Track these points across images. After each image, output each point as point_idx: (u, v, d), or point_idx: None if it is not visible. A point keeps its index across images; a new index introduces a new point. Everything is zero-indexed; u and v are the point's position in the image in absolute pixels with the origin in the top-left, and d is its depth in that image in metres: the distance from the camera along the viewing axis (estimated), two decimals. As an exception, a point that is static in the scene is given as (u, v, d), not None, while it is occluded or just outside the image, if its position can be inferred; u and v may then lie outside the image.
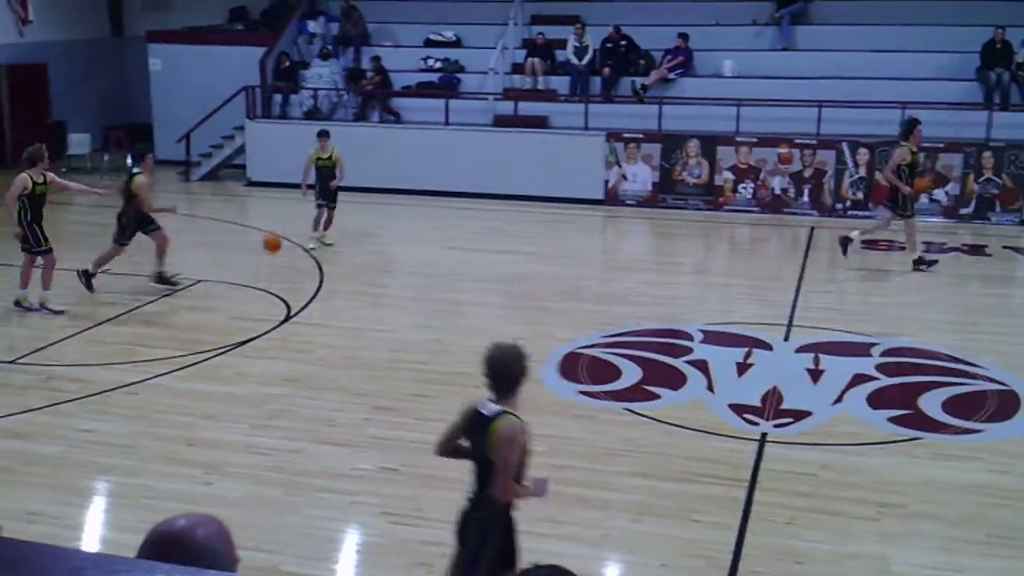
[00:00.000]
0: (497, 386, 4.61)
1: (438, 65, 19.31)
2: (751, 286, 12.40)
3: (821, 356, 9.67)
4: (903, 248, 13.52)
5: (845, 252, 13.09)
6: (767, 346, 10.00)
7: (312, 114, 18.96)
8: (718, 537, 6.40)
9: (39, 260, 10.85)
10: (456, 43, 19.85)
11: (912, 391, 8.84)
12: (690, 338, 10.18)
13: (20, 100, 20.23)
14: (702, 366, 9.39)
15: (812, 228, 15.51)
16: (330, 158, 13.85)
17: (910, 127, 12.68)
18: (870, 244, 14.52)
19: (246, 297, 11.75)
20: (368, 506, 6.81)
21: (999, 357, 9.71)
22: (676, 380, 9.08)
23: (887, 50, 17.23)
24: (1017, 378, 9.14)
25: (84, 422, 8.12)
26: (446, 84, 18.95)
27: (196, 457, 7.46)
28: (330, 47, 19.76)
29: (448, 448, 4.86)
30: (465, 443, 4.79)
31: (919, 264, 12.77)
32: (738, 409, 8.42)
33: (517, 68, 18.88)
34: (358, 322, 10.86)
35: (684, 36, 18.11)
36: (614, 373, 9.21)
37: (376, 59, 19.01)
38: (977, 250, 14.21)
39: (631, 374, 9.19)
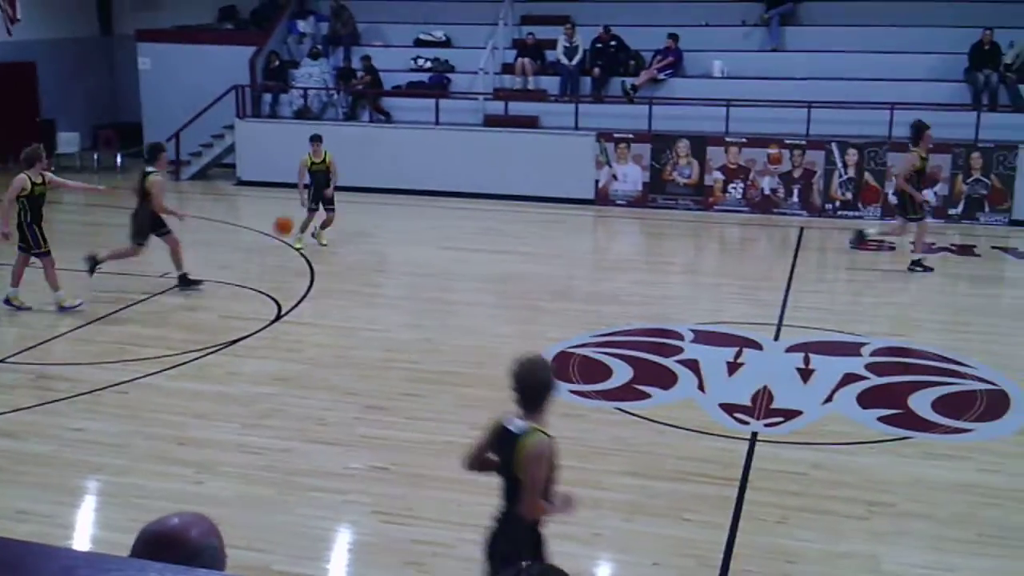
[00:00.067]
0: (525, 402, 4.49)
1: (428, 65, 19.31)
2: (741, 286, 12.42)
3: (811, 356, 9.70)
4: (892, 248, 13.57)
5: (855, 245, 13.13)
6: (757, 346, 10.03)
7: (302, 113, 18.94)
8: (709, 536, 6.41)
9: (34, 261, 10.81)
10: (446, 43, 19.84)
11: (902, 391, 8.87)
12: (680, 338, 10.20)
13: (8, 99, 20.13)
14: (693, 365, 9.41)
15: (801, 228, 15.55)
16: (323, 162, 13.83)
17: (919, 132, 12.72)
18: (860, 244, 14.57)
19: (236, 296, 11.73)
20: (359, 505, 6.81)
21: (988, 357, 9.75)
22: (667, 379, 9.10)
23: (876, 51, 17.30)
24: (1006, 377, 9.18)
25: (75, 421, 8.10)
26: (436, 84, 18.94)
27: (187, 456, 7.44)
28: (320, 46, 19.74)
29: (476, 462, 4.76)
30: (494, 457, 4.69)
31: (916, 265, 12.82)
32: (729, 408, 8.44)
33: (507, 68, 18.89)
34: (349, 321, 10.84)
35: (674, 37, 18.14)
36: (605, 372, 9.22)
37: (366, 59, 18.99)
38: (966, 250, 14.27)
39: (622, 373, 9.20)
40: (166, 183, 11.76)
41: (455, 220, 16.01)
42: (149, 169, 11.59)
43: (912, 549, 6.36)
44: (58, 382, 8.91)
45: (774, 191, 16.58)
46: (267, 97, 19.37)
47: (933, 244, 13.80)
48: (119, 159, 20.45)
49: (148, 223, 11.55)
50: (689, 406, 8.56)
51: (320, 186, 13.85)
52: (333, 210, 13.94)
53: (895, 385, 9.05)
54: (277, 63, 19.43)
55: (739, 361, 9.57)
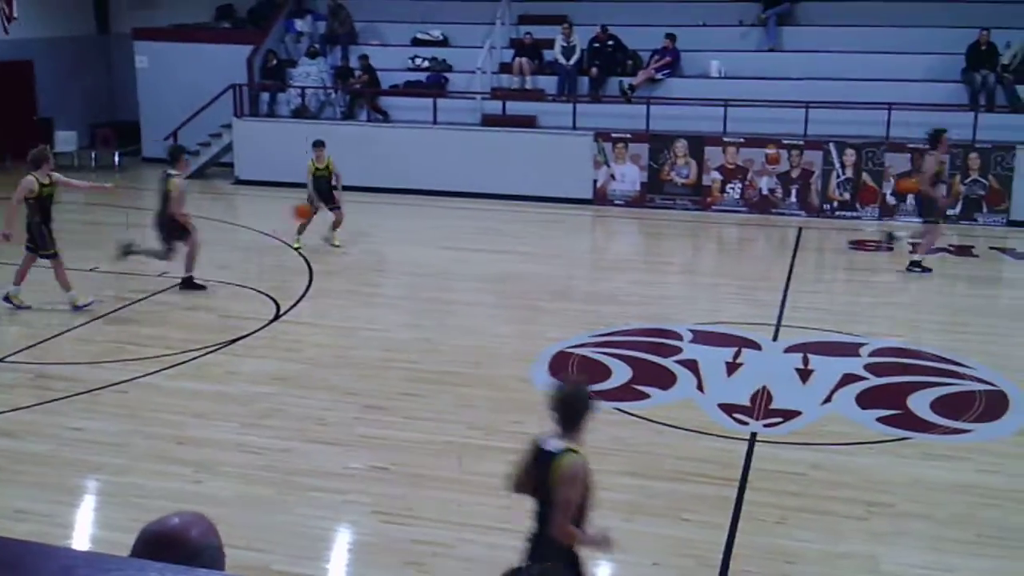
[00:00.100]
0: (563, 422, 4.51)
1: (426, 64, 19.30)
2: (739, 286, 12.43)
3: (810, 356, 9.70)
4: (891, 249, 13.58)
5: (886, 244, 13.13)
6: (756, 346, 10.03)
7: (300, 112, 18.93)
8: (708, 536, 6.42)
9: (42, 261, 10.79)
10: (444, 42, 19.83)
11: (901, 391, 8.88)
12: (679, 338, 10.20)
13: (6, 98, 20.09)
14: (692, 366, 9.42)
15: (800, 228, 15.56)
16: (327, 167, 13.83)
17: (938, 136, 12.77)
18: (858, 244, 14.60)
19: (235, 296, 11.72)
20: (359, 505, 6.81)
21: (987, 357, 9.76)
22: (666, 380, 9.10)
23: (873, 51, 17.30)
24: (1005, 378, 9.20)
25: (74, 420, 8.10)
26: (434, 83, 18.94)
27: (186, 456, 7.44)
28: (317, 46, 19.72)
29: (520, 483, 4.69)
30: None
31: (915, 266, 12.83)
32: (728, 409, 8.45)
33: (505, 68, 18.88)
34: (348, 321, 10.84)
35: (671, 36, 18.14)
36: (604, 372, 9.22)
37: (364, 58, 18.98)
38: (964, 251, 14.28)
39: (621, 373, 9.20)
40: (187, 185, 11.72)
41: (453, 220, 16.01)
42: (171, 172, 11.61)
43: (911, 549, 6.38)
44: (57, 381, 8.91)
45: (772, 191, 16.59)
46: (265, 96, 19.36)
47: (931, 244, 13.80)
48: (116, 157, 20.42)
49: (168, 226, 11.54)
50: (688, 406, 8.57)
51: (321, 191, 13.83)
52: (338, 208, 13.89)
53: (894, 386, 9.05)
54: (274, 62, 19.41)
55: (738, 361, 9.58)
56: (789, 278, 12.63)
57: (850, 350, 9.91)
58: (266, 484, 7.03)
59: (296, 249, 13.67)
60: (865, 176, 16.22)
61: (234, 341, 10.02)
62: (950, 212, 15.71)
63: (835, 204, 16.35)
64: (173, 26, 20.79)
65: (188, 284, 11.72)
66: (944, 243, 13.54)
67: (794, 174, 16.49)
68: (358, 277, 12.99)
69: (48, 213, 10.67)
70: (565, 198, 17.05)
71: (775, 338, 10.33)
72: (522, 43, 18.90)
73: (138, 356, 9.53)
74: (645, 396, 8.70)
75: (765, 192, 16.60)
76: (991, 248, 14.32)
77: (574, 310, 11.36)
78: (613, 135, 17.09)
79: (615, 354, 9.69)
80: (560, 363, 9.46)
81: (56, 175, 10.86)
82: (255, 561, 5.84)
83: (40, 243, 10.67)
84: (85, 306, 10.80)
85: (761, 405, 8.53)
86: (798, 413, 8.39)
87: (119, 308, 11.10)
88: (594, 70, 18.09)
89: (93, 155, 20.29)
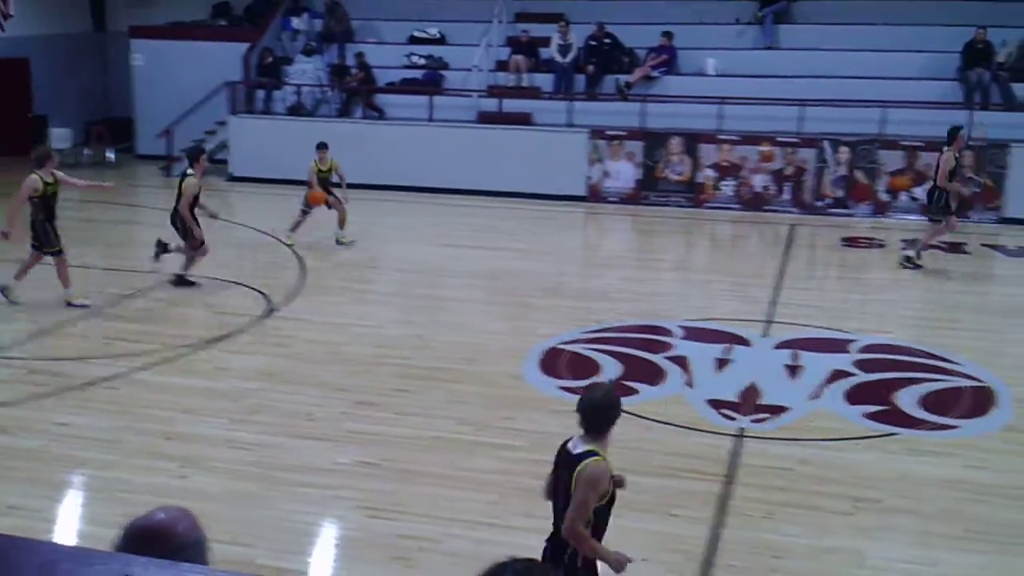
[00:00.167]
0: (588, 426, 4.52)
1: (422, 62, 19.30)
2: (731, 283, 12.44)
3: (799, 352, 9.72)
4: (883, 246, 13.59)
5: (918, 257, 13.08)
6: (746, 342, 10.05)
7: (295, 110, 18.94)
8: (696, 532, 6.43)
9: (47, 259, 10.81)
10: (440, 40, 19.84)
11: (889, 387, 8.89)
12: (670, 334, 10.21)
13: (1, 94, 20.10)
14: (681, 362, 9.43)
15: (792, 225, 15.57)
16: (330, 169, 13.85)
17: (954, 133, 12.86)
18: (851, 241, 14.62)
19: (227, 292, 11.73)
20: (346, 500, 6.81)
21: (976, 354, 9.78)
22: (656, 376, 9.11)
23: (869, 49, 17.32)
24: (993, 374, 9.22)
25: (63, 416, 8.10)
26: (430, 81, 18.94)
27: (174, 451, 7.45)
28: (314, 43, 19.73)
29: (550, 490, 4.71)
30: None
31: (910, 261, 12.86)
32: (717, 404, 8.46)
33: (501, 65, 18.88)
34: (340, 317, 10.85)
35: (668, 34, 18.16)
36: (594, 369, 9.23)
37: (360, 55, 19.00)
38: (956, 248, 14.27)
39: (611, 370, 9.21)
40: (200, 186, 11.72)
41: (447, 217, 16.02)
42: (188, 171, 11.66)
43: (897, 544, 6.39)
44: (48, 377, 8.91)
45: (766, 188, 16.60)
46: (260, 93, 19.36)
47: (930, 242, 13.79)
48: (111, 155, 20.41)
49: (184, 223, 11.56)
50: (678, 402, 8.58)
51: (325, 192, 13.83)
52: (340, 203, 13.87)
53: (882, 382, 9.06)
54: (271, 60, 19.41)
55: (728, 357, 9.59)
56: (781, 275, 12.65)
57: (840, 346, 9.92)
58: (253, 479, 7.03)
59: (289, 246, 13.68)
60: (858, 173, 16.24)
61: (225, 337, 10.03)
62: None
63: (828, 201, 16.36)
64: (169, 24, 20.79)
65: (180, 281, 11.73)
66: (937, 240, 13.53)
67: (788, 171, 16.50)
68: (351, 274, 13.00)
69: (52, 211, 10.70)
70: (559, 195, 17.06)
71: (765, 334, 10.35)
72: (518, 41, 18.90)
73: (129, 352, 9.53)
74: (634, 392, 8.70)
75: (759, 189, 16.62)
76: (983, 245, 14.33)
77: (566, 306, 11.37)
78: (608, 132, 17.11)
79: (606, 350, 9.70)
80: (551, 359, 9.48)
81: (59, 173, 10.89)
82: (240, 556, 5.84)
83: (44, 240, 10.68)
84: (80, 306, 10.80)
85: (750, 401, 8.55)
86: (786, 409, 8.41)
87: (110, 304, 11.10)
88: (590, 68, 18.10)
89: (85, 152, 20.26)
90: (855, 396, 8.66)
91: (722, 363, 9.46)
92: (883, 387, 8.90)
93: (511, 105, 18.04)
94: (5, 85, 20.15)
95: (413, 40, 19.88)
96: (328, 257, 13.56)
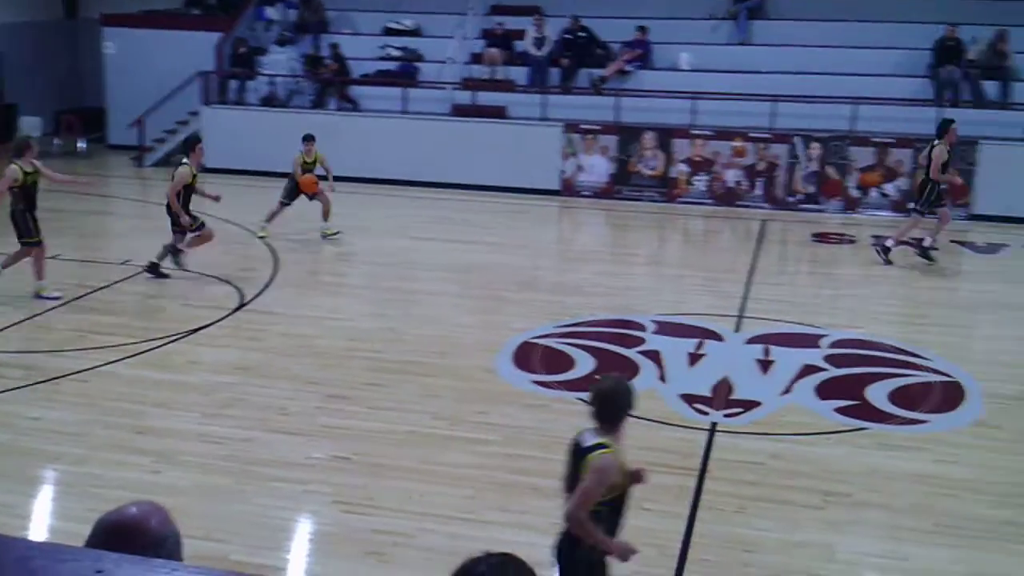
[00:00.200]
0: (600, 418, 4.52)
1: (397, 54, 19.24)
2: (704, 277, 12.51)
3: (771, 347, 9.79)
4: (853, 241, 13.69)
5: (928, 257, 13.14)
6: (718, 337, 10.10)
7: (269, 100, 18.83)
8: (669, 526, 6.47)
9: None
10: (415, 32, 19.78)
11: (859, 382, 8.98)
12: (643, 328, 10.26)
13: (-30, 82, 19.90)
14: (654, 356, 9.47)
15: (764, 221, 15.66)
16: (315, 161, 13.79)
17: (946, 127, 12.98)
18: (822, 237, 14.72)
19: (199, 284, 11.66)
20: (320, 495, 6.81)
21: (944, 349, 9.89)
22: (628, 370, 9.14)
23: (841, 46, 17.43)
24: (962, 370, 9.32)
25: (32, 410, 8.03)
26: (404, 73, 18.88)
27: (146, 446, 7.41)
28: (288, 34, 19.61)
29: (567, 484, 4.68)
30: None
31: (882, 252, 13.01)
32: (689, 399, 8.52)
33: (476, 58, 18.85)
34: (312, 310, 10.81)
35: (643, 29, 18.19)
36: (568, 363, 9.26)
37: (334, 47, 18.90)
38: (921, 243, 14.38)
39: (584, 364, 9.24)
40: (194, 174, 11.64)
41: (420, 209, 15.99)
42: (184, 160, 11.62)
43: (867, 538, 6.46)
44: (16, 370, 8.83)
45: (738, 184, 16.68)
46: (234, 84, 19.23)
47: (885, 237, 13.87)
48: (82, 145, 20.22)
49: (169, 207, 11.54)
50: (650, 396, 8.58)
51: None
52: (325, 195, 13.81)
53: (853, 376, 9.15)
54: (244, 49, 19.28)
55: (700, 352, 9.65)
56: (753, 270, 12.72)
57: (810, 341, 10.00)
58: (226, 474, 7.01)
59: (262, 238, 13.61)
60: (829, 169, 16.35)
61: (197, 330, 9.97)
62: (911, 205, 15.88)
63: (800, 197, 16.46)
64: (142, 12, 20.58)
65: (153, 269, 11.64)
66: (906, 236, 13.63)
67: (760, 167, 16.58)
68: (324, 266, 12.97)
69: (33, 201, 10.64)
70: (533, 189, 17.07)
71: (737, 329, 10.41)
72: (493, 33, 18.88)
73: (99, 345, 9.46)
74: (608, 387, 8.72)
75: (731, 185, 16.69)
76: (952, 241, 14.47)
77: (539, 300, 11.39)
78: (582, 126, 17.12)
79: (579, 344, 9.73)
80: (525, 353, 9.49)
81: (38, 163, 10.78)
82: (213, 551, 5.82)
83: (24, 231, 10.60)
84: (50, 298, 10.70)
85: (722, 395, 8.60)
86: (758, 404, 8.47)
87: (81, 296, 11.01)
88: (565, 61, 18.10)
89: (55, 141, 20.05)
90: (826, 391, 8.74)
91: (695, 358, 9.52)
92: (853, 382, 8.99)
93: (485, 98, 18.01)
94: (-26, 73, 19.92)
95: (388, 31, 19.80)
96: (301, 249, 13.50)
